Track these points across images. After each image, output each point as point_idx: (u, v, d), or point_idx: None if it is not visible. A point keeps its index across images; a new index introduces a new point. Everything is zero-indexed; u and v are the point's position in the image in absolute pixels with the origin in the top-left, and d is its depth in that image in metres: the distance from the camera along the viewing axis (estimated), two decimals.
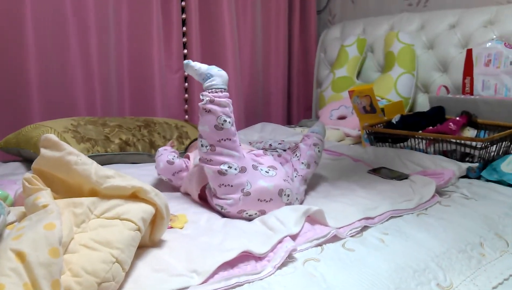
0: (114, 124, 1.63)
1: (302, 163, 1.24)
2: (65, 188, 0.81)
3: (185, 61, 1.15)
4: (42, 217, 0.68)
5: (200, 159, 1.09)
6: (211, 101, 1.05)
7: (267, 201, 1.05)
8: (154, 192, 0.83)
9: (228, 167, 1.04)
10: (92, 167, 0.80)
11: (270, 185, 1.06)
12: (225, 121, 1.05)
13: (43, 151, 0.81)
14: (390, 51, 2.19)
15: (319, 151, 1.29)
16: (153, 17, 2.08)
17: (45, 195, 0.75)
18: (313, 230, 0.97)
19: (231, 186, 1.05)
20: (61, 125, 1.52)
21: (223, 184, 1.05)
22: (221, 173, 1.05)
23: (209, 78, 1.09)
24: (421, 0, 2.35)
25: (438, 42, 2.13)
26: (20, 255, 0.60)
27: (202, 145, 1.07)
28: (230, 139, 1.06)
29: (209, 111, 1.05)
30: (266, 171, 1.09)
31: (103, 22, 1.96)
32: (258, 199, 1.05)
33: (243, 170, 1.05)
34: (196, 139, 1.63)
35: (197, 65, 1.13)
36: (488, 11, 1.99)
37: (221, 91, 1.08)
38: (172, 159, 1.31)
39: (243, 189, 1.04)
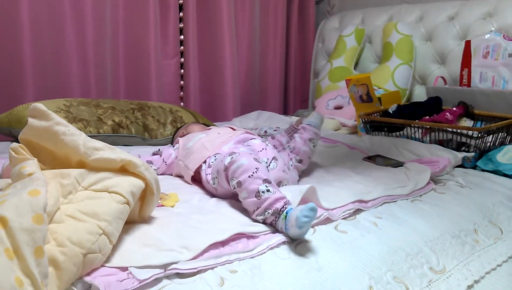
0: (107, 106, 1.61)
1: (295, 159, 1.23)
2: (53, 159, 0.79)
3: None
4: (27, 184, 0.66)
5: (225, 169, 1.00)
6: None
7: None
8: (144, 166, 0.81)
9: None
10: (81, 138, 0.78)
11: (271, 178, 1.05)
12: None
13: (30, 120, 0.78)
14: (388, 41, 2.17)
15: (314, 146, 1.26)
16: (149, 2, 2.05)
17: (31, 165, 0.73)
18: None
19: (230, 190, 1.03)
20: (54, 105, 1.49)
21: (224, 188, 1.03)
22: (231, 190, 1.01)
23: None
24: None
25: (436, 34, 2.12)
26: (2, 220, 0.59)
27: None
28: None
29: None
30: (267, 165, 1.11)
31: (99, 6, 1.93)
32: None
33: None
34: (180, 127, 1.59)
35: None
36: (487, 3, 1.98)
37: None
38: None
39: None
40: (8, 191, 0.67)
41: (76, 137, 0.77)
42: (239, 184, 0.93)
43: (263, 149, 1.16)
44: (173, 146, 1.32)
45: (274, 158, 1.14)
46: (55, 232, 0.66)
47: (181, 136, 1.43)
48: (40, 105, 0.78)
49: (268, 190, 0.90)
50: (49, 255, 0.63)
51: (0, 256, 0.56)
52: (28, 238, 0.58)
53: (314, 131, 1.27)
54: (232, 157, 0.98)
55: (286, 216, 0.86)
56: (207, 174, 1.11)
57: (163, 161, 1.27)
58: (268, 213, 0.88)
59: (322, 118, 1.33)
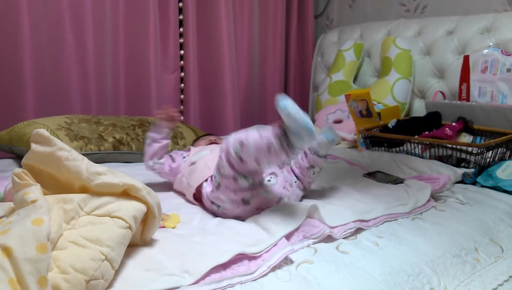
0: (108, 122, 1.61)
1: (295, 182, 1.21)
2: (55, 184, 0.80)
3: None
4: (30, 212, 0.67)
5: (224, 149, 1.01)
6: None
7: (264, 209, 1.05)
8: (146, 190, 0.82)
9: (244, 177, 1.01)
10: (83, 163, 0.79)
11: (271, 195, 1.07)
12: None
13: (33, 146, 0.79)
14: (387, 56, 2.19)
15: (313, 173, 1.19)
16: (150, 18, 2.07)
17: (34, 191, 0.73)
18: (308, 225, 0.97)
19: (235, 193, 1.03)
20: (55, 122, 1.50)
21: (229, 187, 1.03)
22: (234, 179, 1.01)
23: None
24: (419, 6, 2.36)
25: (435, 48, 2.14)
26: (6, 250, 0.59)
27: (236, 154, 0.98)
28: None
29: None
30: (268, 180, 1.09)
31: (99, 21, 1.95)
32: (257, 208, 1.06)
33: (254, 185, 1.03)
34: (202, 136, 1.61)
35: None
36: (485, 18, 2.00)
37: None
38: (152, 165, 1.29)
39: (244, 198, 1.04)
40: (12, 218, 0.68)
41: (79, 162, 0.78)
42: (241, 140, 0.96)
43: None
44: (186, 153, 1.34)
45: (273, 173, 1.14)
46: (58, 259, 0.66)
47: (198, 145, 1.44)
48: (43, 131, 0.79)
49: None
50: (52, 283, 0.63)
51: (4, 286, 0.56)
52: (32, 268, 0.59)
53: (314, 159, 1.17)
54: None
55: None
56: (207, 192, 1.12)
57: (172, 160, 1.30)
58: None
59: (334, 139, 1.16)
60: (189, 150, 1.35)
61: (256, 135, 0.94)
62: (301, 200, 1.22)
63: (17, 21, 1.73)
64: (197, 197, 1.18)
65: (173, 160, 1.31)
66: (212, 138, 1.52)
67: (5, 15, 1.71)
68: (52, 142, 0.78)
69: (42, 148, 0.78)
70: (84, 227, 0.73)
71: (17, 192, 0.76)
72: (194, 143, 1.57)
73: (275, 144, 0.92)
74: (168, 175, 1.31)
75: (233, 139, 0.97)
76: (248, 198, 1.03)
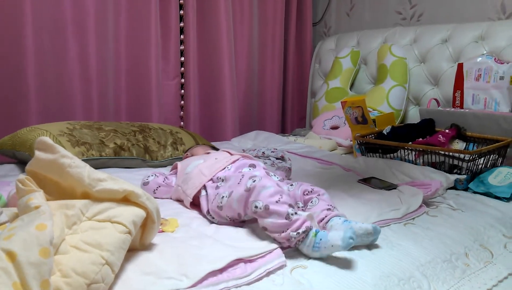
0: (109, 128, 1.64)
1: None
2: (58, 190, 0.83)
3: None
4: (34, 217, 0.70)
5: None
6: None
7: None
8: (146, 196, 0.85)
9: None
10: (85, 170, 0.82)
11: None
12: None
13: (37, 153, 0.82)
14: (383, 63, 2.22)
15: None
16: (151, 24, 2.11)
17: (37, 197, 0.76)
18: None
19: (239, 216, 1.05)
20: (57, 129, 1.53)
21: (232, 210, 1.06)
22: (239, 215, 1.05)
23: None
24: (415, 15, 2.40)
25: (430, 56, 2.17)
26: (10, 255, 0.62)
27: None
28: None
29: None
30: None
31: (101, 28, 1.99)
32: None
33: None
34: (189, 149, 1.66)
35: None
36: (480, 26, 2.03)
37: None
38: (147, 179, 1.32)
39: (245, 220, 1.06)
40: (16, 223, 0.71)
41: (81, 169, 0.81)
42: (267, 207, 0.95)
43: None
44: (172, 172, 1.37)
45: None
46: (60, 263, 0.69)
47: (185, 158, 1.48)
48: (46, 138, 0.82)
49: (296, 213, 0.96)
50: (55, 286, 0.66)
51: None
52: (35, 272, 0.61)
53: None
54: (255, 181, 1.00)
55: (316, 234, 0.93)
56: (210, 200, 1.13)
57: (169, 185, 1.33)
58: (300, 232, 0.93)
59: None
60: (175, 166, 1.39)
61: (283, 210, 0.94)
62: None
63: (21, 29, 1.76)
64: (195, 203, 1.21)
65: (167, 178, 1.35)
66: (188, 153, 1.57)
67: (9, 23, 1.75)
68: (55, 150, 0.81)
69: (45, 155, 0.81)
70: (85, 232, 0.76)
71: (21, 198, 0.79)
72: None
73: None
74: (161, 193, 1.33)
75: (258, 193, 0.98)
76: (248, 218, 1.06)
